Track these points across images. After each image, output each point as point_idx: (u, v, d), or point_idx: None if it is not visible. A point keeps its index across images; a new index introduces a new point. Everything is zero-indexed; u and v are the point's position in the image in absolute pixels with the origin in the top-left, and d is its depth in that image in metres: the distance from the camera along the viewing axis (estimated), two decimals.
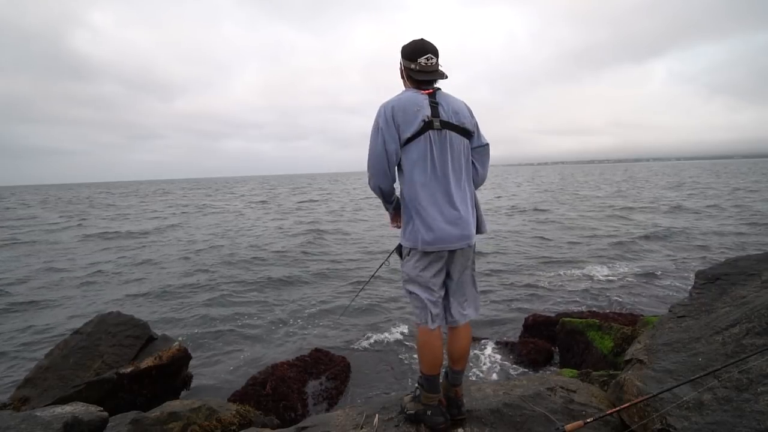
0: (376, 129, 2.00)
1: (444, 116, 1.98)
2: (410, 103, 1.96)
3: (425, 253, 2.00)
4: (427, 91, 2.00)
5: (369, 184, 2.12)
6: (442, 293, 2.10)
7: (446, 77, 2.03)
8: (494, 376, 4.62)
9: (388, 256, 2.47)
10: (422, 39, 2.02)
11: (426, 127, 1.95)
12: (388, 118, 1.96)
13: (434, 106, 1.98)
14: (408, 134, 1.95)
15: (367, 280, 3.48)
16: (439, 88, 2.06)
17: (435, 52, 2.00)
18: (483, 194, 31.64)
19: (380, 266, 2.78)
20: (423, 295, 2.06)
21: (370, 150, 2.03)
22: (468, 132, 2.06)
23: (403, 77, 2.10)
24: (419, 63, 1.98)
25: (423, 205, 1.98)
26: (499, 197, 30.56)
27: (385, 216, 2.35)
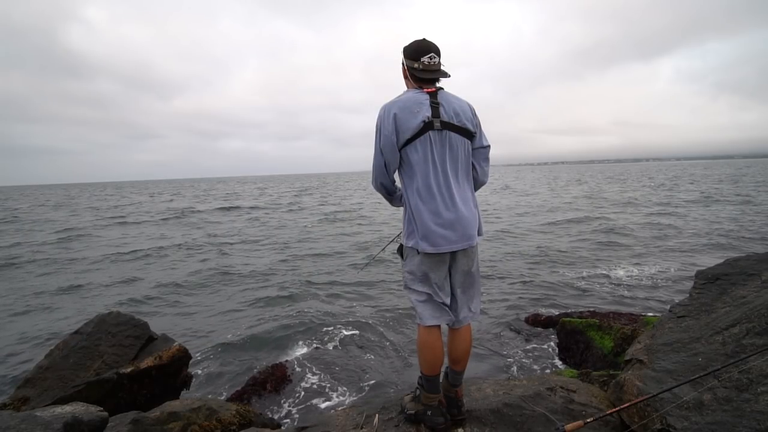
0: (377, 131, 2.03)
1: (445, 117, 1.98)
2: (411, 104, 1.96)
3: (426, 254, 2.00)
4: (429, 90, 2.00)
5: (372, 185, 2.17)
6: (444, 294, 2.10)
7: (449, 76, 2.04)
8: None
9: (387, 244, 2.48)
10: (424, 38, 2.03)
11: (426, 128, 1.95)
12: (388, 121, 1.96)
13: (435, 106, 1.97)
14: (408, 135, 1.95)
15: (369, 260, 3.49)
16: (442, 88, 2.06)
17: (437, 51, 2.00)
18: (491, 193, 31.62)
19: (382, 249, 2.80)
20: (423, 295, 2.07)
21: (373, 153, 2.07)
22: (469, 133, 2.06)
23: (405, 77, 2.10)
24: (422, 62, 1.98)
25: (424, 206, 1.98)
26: (502, 197, 30.57)
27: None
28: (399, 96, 2.04)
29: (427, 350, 2.11)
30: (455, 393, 2.23)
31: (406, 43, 2.07)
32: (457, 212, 1.99)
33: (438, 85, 2.05)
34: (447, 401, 2.23)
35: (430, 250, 1.97)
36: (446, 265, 2.05)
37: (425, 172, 1.98)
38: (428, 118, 1.95)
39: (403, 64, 2.07)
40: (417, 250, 2.03)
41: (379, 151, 2.03)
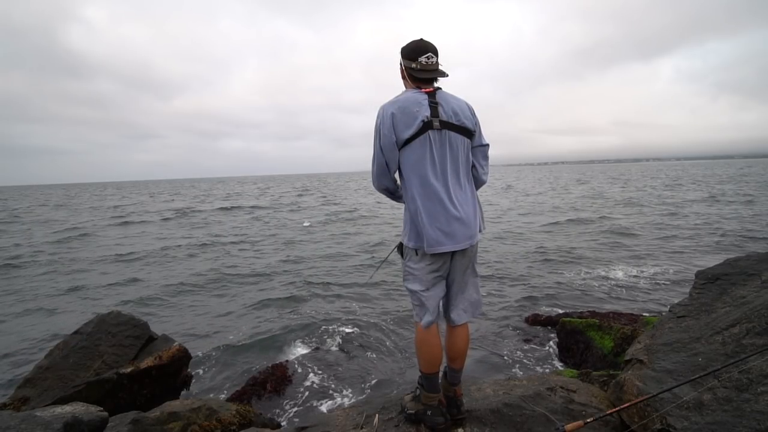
0: (376, 132, 2.02)
1: (444, 116, 1.98)
2: (410, 104, 1.96)
3: (426, 255, 2.00)
4: (427, 90, 2.00)
5: (374, 185, 2.16)
6: (442, 293, 2.11)
7: (447, 75, 2.04)
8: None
9: (393, 250, 2.48)
10: (421, 39, 2.03)
11: (425, 128, 1.95)
12: (386, 122, 1.96)
13: (434, 106, 1.98)
14: (407, 135, 1.95)
15: (378, 265, 3.49)
16: (440, 88, 2.06)
17: (435, 51, 2.00)
18: (494, 194, 31.62)
19: (389, 255, 2.81)
20: (422, 294, 2.07)
21: (373, 153, 2.06)
22: (469, 131, 2.06)
23: (403, 78, 2.10)
24: (420, 62, 1.99)
25: (424, 205, 1.98)
26: (504, 197, 30.55)
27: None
28: (397, 96, 2.04)
29: (425, 348, 2.12)
30: (454, 392, 2.23)
31: (404, 44, 2.06)
32: (457, 212, 1.99)
33: (436, 84, 2.05)
34: (446, 401, 2.23)
35: (430, 250, 1.97)
36: (446, 265, 2.06)
37: (425, 172, 1.98)
38: (427, 117, 1.95)
39: (400, 64, 2.07)
40: (416, 251, 2.04)
41: (379, 150, 2.02)
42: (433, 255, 2.00)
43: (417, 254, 2.04)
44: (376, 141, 2.04)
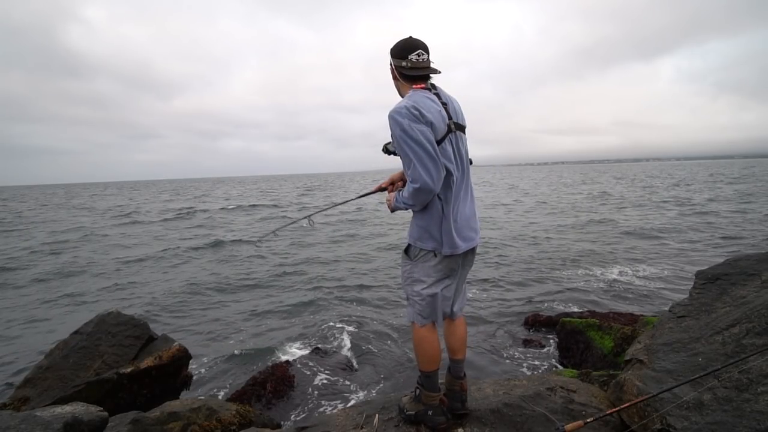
0: (408, 129, 1.80)
1: (454, 117, 1.97)
2: (429, 104, 1.88)
3: (446, 257, 1.98)
4: (420, 86, 1.95)
5: (420, 186, 1.82)
6: (449, 293, 2.11)
7: (439, 72, 1.99)
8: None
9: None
10: (410, 36, 1.96)
11: (449, 130, 1.92)
12: (421, 115, 1.82)
13: (445, 106, 1.95)
14: (438, 138, 1.88)
15: (347, 200, 3.43)
16: (434, 84, 2.01)
17: (425, 48, 1.94)
18: (496, 194, 31.60)
19: (354, 199, 2.77)
20: (429, 297, 2.04)
21: (412, 157, 1.81)
22: (464, 129, 2.07)
23: (395, 78, 2.02)
24: (410, 60, 1.92)
25: (448, 208, 1.94)
26: (506, 197, 30.53)
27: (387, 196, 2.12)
28: (410, 97, 1.91)
29: (425, 345, 2.10)
30: (459, 386, 2.23)
31: (392, 44, 1.98)
32: (471, 211, 2.02)
33: (430, 82, 1.99)
34: (451, 395, 2.22)
35: (455, 251, 1.95)
36: (457, 265, 2.06)
37: (449, 174, 1.92)
38: (448, 119, 1.93)
39: (391, 64, 2.00)
40: (434, 253, 1.98)
41: (423, 140, 1.79)
42: (454, 257, 1.99)
43: (435, 258, 1.99)
44: (411, 136, 1.79)
